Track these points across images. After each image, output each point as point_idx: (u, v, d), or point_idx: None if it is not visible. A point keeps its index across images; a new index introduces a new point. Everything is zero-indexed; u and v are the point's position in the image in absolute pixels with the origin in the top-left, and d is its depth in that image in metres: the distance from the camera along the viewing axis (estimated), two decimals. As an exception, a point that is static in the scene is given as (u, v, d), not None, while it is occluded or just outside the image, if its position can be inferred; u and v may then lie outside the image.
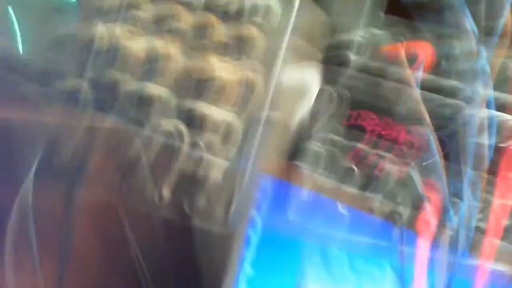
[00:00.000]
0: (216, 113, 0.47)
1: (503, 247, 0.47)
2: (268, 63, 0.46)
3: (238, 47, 0.47)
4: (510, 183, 0.47)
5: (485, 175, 0.47)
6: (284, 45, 0.46)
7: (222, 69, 0.46)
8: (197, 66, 0.45)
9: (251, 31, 0.46)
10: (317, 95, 0.54)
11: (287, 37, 0.46)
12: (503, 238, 0.47)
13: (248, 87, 0.46)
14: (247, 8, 0.46)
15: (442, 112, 0.50)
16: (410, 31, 0.51)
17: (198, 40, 0.48)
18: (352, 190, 0.54)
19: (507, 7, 0.45)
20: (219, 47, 0.47)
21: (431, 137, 0.47)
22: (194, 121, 0.47)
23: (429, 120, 0.48)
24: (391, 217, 0.48)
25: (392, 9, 0.51)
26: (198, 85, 0.47)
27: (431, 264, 0.47)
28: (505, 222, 0.47)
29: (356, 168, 0.54)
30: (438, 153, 0.47)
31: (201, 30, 0.48)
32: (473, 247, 0.47)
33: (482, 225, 0.47)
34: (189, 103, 0.47)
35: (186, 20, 0.47)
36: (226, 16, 0.47)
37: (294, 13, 0.46)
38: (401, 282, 0.45)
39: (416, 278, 0.45)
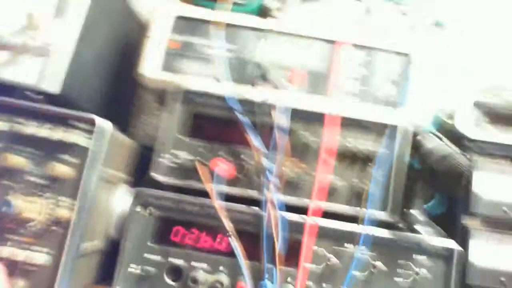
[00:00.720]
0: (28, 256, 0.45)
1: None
2: (80, 198, 0.47)
3: (47, 186, 0.48)
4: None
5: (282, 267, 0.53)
6: (95, 177, 0.49)
7: (31, 209, 0.46)
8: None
9: (60, 169, 0.47)
10: (128, 216, 0.56)
11: (97, 169, 0.49)
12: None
13: (60, 224, 0.46)
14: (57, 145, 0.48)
15: (243, 218, 0.56)
16: (208, 151, 0.58)
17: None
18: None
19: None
20: (26, 187, 0.47)
21: (234, 242, 0.52)
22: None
23: (232, 226, 0.53)
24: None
25: (195, 133, 0.59)
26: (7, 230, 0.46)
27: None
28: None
29: (175, 284, 0.55)
30: (242, 255, 0.52)
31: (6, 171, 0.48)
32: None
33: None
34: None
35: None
36: (34, 156, 0.48)
37: (105, 148, 0.50)
38: None
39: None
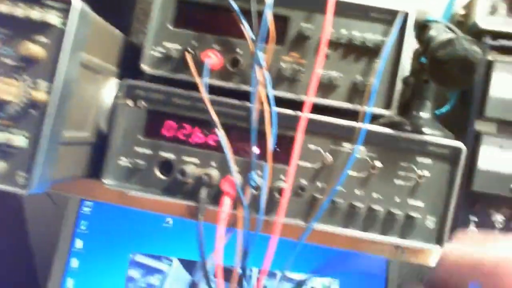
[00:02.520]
0: (8, 139, 0.44)
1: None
2: (55, 80, 0.45)
3: (22, 68, 0.45)
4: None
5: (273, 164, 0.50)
6: (72, 60, 0.46)
7: (8, 91, 0.44)
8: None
9: (35, 50, 0.44)
10: (117, 108, 0.54)
11: (74, 52, 0.46)
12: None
13: (37, 107, 0.44)
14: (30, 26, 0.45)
15: (234, 113, 0.53)
16: (198, 41, 0.54)
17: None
18: (164, 198, 0.54)
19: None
20: (1, 68, 0.45)
21: (222, 137, 0.50)
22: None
23: (218, 120, 0.50)
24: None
25: (180, 22, 0.55)
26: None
27: (232, 225, 0.48)
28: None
29: (165, 177, 0.54)
30: (230, 148, 0.50)
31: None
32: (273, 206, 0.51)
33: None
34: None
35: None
36: (8, 36, 0.46)
37: (82, 30, 0.47)
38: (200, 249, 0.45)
39: (218, 239, 0.46)
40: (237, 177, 0.50)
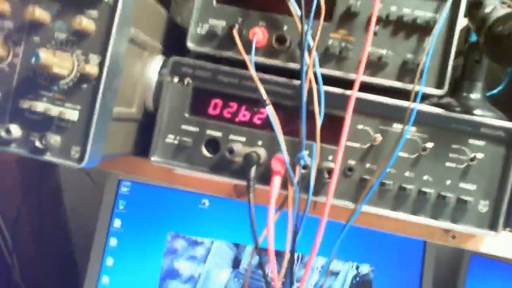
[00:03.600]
0: (61, 112, 0.45)
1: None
2: (105, 55, 0.45)
3: (75, 41, 0.46)
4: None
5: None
6: (122, 35, 0.46)
7: (61, 65, 0.44)
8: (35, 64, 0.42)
9: (87, 24, 0.45)
10: (163, 86, 0.54)
11: (124, 27, 0.46)
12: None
13: (89, 81, 0.45)
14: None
15: (282, 91, 0.52)
16: (243, 18, 0.53)
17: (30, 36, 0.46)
18: (211, 176, 0.54)
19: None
20: (55, 43, 0.46)
21: (271, 113, 0.49)
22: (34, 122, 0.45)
23: (267, 97, 0.49)
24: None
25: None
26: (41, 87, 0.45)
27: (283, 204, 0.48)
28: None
29: (212, 155, 0.53)
30: (279, 126, 0.49)
31: (33, 26, 0.46)
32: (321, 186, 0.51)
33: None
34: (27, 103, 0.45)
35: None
36: (61, 10, 0.46)
37: (132, 6, 0.47)
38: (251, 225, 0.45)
39: (269, 217, 0.45)
40: (285, 155, 0.50)
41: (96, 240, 0.88)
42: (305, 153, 0.48)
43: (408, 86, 0.51)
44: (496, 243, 0.54)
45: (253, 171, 0.49)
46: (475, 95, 0.55)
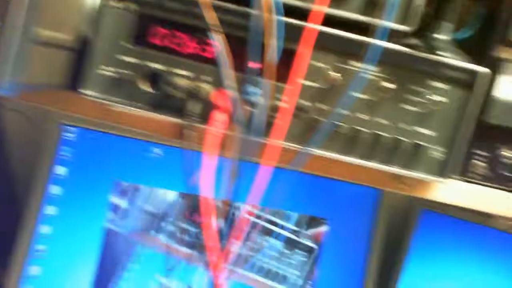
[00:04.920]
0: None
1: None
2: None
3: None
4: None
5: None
6: None
7: None
8: None
9: None
10: (101, 10, 0.48)
11: None
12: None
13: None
14: None
15: (232, 20, 0.47)
16: None
17: None
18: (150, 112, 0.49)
19: None
20: None
21: (218, 43, 0.44)
22: None
23: (220, 29, 0.44)
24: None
25: None
26: None
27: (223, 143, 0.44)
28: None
29: (153, 90, 0.48)
30: (227, 61, 0.44)
31: None
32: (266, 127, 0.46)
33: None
34: None
35: None
36: None
37: None
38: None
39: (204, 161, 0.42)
40: (232, 91, 0.45)
41: (36, 186, 0.82)
42: (251, 87, 0.44)
43: (374, 21, 0.47)
44: (448, 192, 0.52)
45: (191, 105, 0.45)
46: (443, 36, 0.52)
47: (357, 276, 0.83)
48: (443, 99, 0.48)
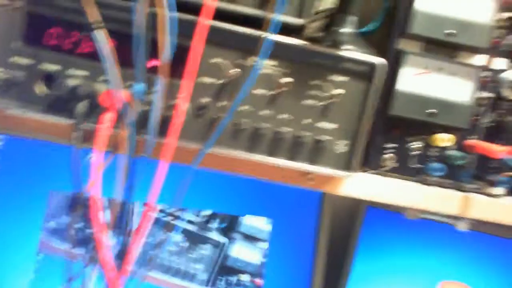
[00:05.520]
0: None
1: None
2: None
3: None
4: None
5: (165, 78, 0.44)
6: None
7: None
8: None
9: None
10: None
11: None
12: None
13: None
14: None
15: (122, 17, 0.46)
16: None
17: None
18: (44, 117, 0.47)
19: None
20: None
21: (100, 40, 0.43)
22: None
23: (102, 24, 0.43)
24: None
25: None
26: None
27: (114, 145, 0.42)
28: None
29: (48, 93, 0.47)
30: (112, 57, 0.43)
31: None
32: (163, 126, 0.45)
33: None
34: None
35: None
36: None
37: None
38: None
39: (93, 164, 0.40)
40: (122, 89, 0.44)
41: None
42: (139, 85, 0.43)
43: (265, 14, 0.46)
44: (355, 185, 0.52)
45: (82, 106, 0.43)
46: (347, 30, 0.52)
47: (305, 275, 0.82)
48: (343, 92, 0.48)
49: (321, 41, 0.49)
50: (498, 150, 0.49)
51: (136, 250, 0.44)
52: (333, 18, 0.52)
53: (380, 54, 0.50)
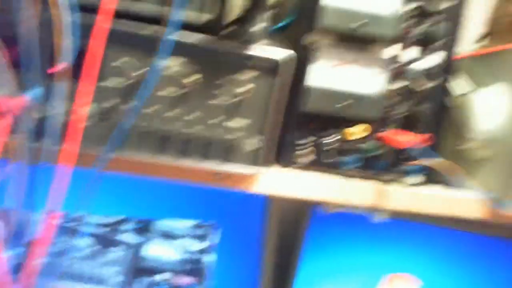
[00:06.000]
0: None
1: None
2: None
3: None
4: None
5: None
6: None
7: None
8: None
9: None
10: None
11: None
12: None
13: None
14: None
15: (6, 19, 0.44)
16: None
17: None
18: None
19: None
20: None
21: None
22: None
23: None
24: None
25: None
26: None
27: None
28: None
29: None
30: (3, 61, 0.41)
31: None
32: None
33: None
34: None
35: None
36: None
37: None
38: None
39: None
40: (18, 95, 0.42)
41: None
42: (40, 91, 0.41)
43: (165, 12, 0.45)
44: (270, 181, 0.52)
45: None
46: (259, 26, 0.51)
47: (254, 279, 0.82)
48: (251, 88, 0.47)
49: (233, 38, 0.49)
50: (403, 141, 0.50)
51: (38, 261, 0.43)
52: (245, 14, 0.51)
53: (296, 48, 0.50)
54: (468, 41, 0.74)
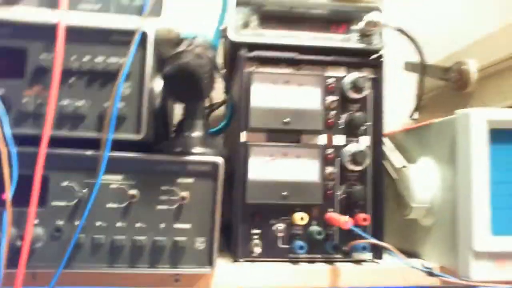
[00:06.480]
0: None
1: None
2: None
3: None
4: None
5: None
6: None
7: None
8: None
9: None
10: None
11: None
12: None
13: None
14: None
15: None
16: None
17: None
18: None
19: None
20: None
21: None
22: None
23: None
24: None
25: None
26: None
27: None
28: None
29: None
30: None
31: None
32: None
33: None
34: None
35: None
36: None
37: None
38: None
39: None
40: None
41: None
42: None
43: (102, 135, 0.49)
44: (226, 277, 0.53)
45: None
46: (196, 133, 0.55)
47: None
48: (191, 193, 0.51)
49: (169, 149, 0.53)
50: (344, 221, 0.53)
51: None
52: (182, 124, 0.56)
53: (233, 147, 0.54)
54: (402, 117, 0.80)
